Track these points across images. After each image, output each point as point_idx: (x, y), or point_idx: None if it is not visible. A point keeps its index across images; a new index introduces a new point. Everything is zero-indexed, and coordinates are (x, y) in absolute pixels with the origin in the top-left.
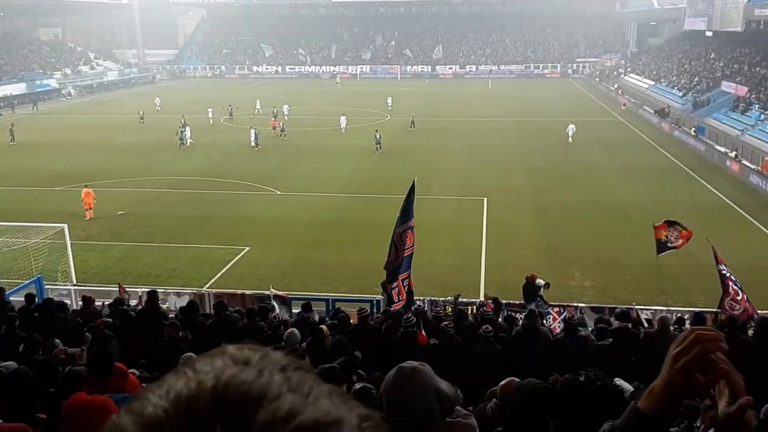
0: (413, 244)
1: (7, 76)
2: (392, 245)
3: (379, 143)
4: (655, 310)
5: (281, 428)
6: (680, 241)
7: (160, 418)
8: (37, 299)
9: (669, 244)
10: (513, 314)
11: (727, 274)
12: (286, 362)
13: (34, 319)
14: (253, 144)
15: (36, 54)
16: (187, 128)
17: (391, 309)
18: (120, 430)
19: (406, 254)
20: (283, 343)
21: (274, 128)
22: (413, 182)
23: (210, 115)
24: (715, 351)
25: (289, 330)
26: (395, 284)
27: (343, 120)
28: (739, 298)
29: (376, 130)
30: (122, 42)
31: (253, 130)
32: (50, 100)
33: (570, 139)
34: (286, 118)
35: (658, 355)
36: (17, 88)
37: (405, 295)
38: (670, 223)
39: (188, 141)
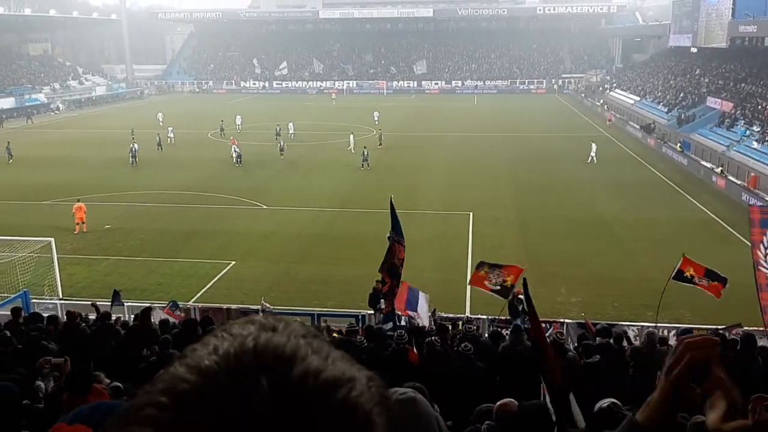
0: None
1: None
2: (389, 249)
3: (366, 160)
4: (642, 326)
5: (312, 382)
6: (703, 284)
7: (214, 369)
8: (23, 313)
9: (694, 280)
10: (499, 330)
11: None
12: (305, 331)
13: (23, 332)
14: (235, 161)
15: (25, 69)
16: (135, 145)
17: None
18: (178, 380)
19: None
20: None
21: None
22: (390, 200)
23: (170, 135)
24: (707, 357)
25: None
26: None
27: (351, 138)
28: None
29: (364, 147)
30: (111, 57)
31: (234, 147)
32: (39, 115)
33: (591, 158)
34: (291, 136)
35: (647, 370)
36: (6, 103)
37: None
38: (708, 273)
39: (134, 160)
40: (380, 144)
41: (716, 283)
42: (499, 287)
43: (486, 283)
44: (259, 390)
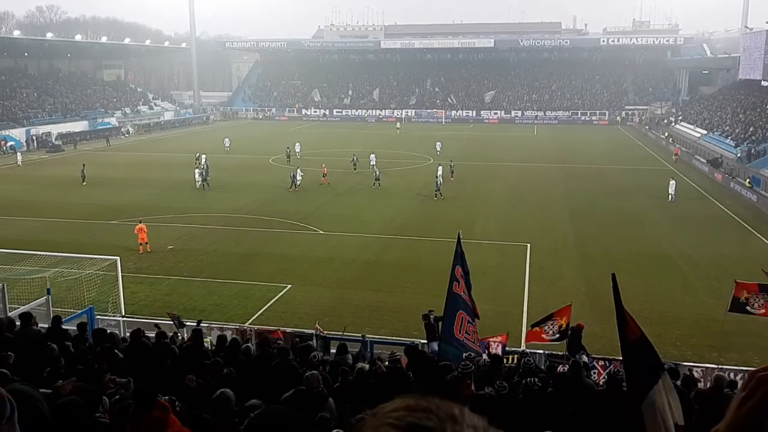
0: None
1: (71, 113)
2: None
3: (439, 189)
4: (707, 367)
5: None
6: (762, 311)
7: None
8: (88, 329)
9: (748, 308)
10: (556, 364)
11: None
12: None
13: (86, 349)
14: (294, 185)
15: (99, 93)
16: (195, 171)
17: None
18: None
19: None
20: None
21: (324, 175)
22: (459, 236)
23: (202, 161)
24: None
25: (310, 373)
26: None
27: (440, 170)
28: None
29: (438, 175)
30: (180, 84)
31: (299, 171)
32: (110, 137)
33: (671, 196)
34: (374, 166)
35: (712, 415)
36: (80, 125)
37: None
38: (763, 288)
39: (199, 182)
40: (451, 176)
41: None
42: (557, 334)
43: (543, 336)
44: None
